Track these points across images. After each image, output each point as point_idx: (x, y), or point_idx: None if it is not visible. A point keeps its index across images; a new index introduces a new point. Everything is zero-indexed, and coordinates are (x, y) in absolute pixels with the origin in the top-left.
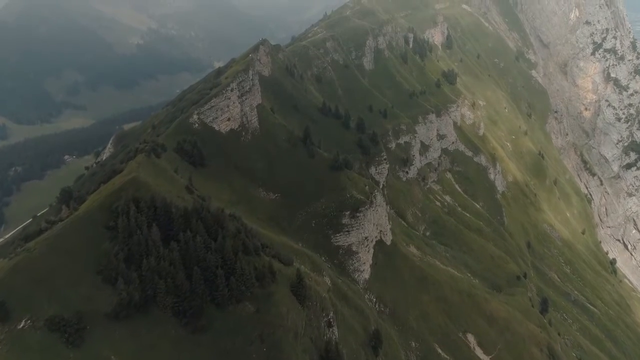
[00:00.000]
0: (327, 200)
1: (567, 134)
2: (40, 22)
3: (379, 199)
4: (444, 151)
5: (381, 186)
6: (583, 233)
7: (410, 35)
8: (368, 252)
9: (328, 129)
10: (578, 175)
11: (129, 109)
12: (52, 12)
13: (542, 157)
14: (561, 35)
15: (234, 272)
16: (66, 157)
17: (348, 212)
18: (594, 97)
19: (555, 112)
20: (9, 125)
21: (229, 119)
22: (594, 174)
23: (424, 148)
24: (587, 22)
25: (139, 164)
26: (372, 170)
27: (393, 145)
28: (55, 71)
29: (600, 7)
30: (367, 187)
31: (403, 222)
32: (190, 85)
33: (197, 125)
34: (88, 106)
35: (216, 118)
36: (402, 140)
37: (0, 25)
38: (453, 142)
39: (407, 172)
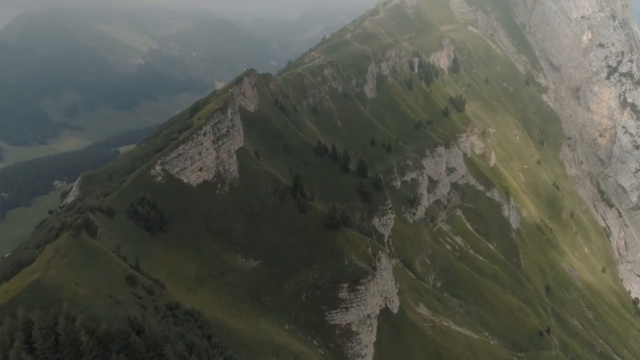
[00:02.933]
0: (320, 267)
1: (581, 162)
2: (41, 43)
3: (384, 261)
4: (454, 186)
5: (386, 239)
6: (603, 271)
7: (416, 60)
8: (371, 331)
9: (323, 173)
10: (594, 206)
11: (128, 130)
12: (53, 33)
13: (557, 188)
14: (573, 58)
15: None
16: (56, 182)
17: (346, 285)
18: (610, 123)
19: (569, 138)
20: (3, 146)
21: (200, 169)
22: (611, 205)
23: (432, 184)
24: (601, 45)
25: (55, 253)
26: (376, 221)
27: (398, 183)
28: (54, 91)
29: (614, 29)
30: (369, 248)
31: (411, 273)
32: (170, 119)
33: (160, 178)
34: (86, 127)
35: (185, 168)
36: (409, 177)
37: (0, 46)
38: (463, 176)
39: (414, 214)
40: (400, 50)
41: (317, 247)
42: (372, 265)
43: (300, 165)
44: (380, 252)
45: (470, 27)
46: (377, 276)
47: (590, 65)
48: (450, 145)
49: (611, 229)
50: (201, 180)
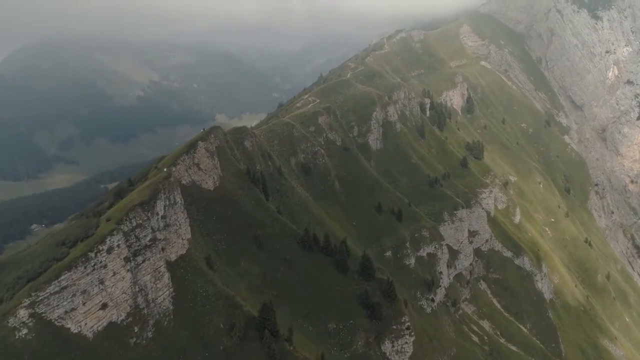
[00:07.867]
0: None
1: (612, 212)
2: (39, 76)
3: None
4: (477, 252)
5: None
6: None
7: (427, 101)
8: None
9: (312, 275)
10: (630, 263)
11: (122, 164)
12: (52, 66)
13: (590, 245)
14: (597, 96)
15: None
16: (33, 226)
17: None
18: None
19: (596, 185)
20: None
21: (103, 307)
22: None
23: (452, 255)
24: (629, 82)
25: None
26: (387, 346)
27: (412, 261)
28: (50, 125)
29: None
30: None
31: None
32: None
33: (25, 331)
34: (81, 161)
35: (73, 309)
36: (425, 251)
37: None
38: (487, 240)
39: (432, 300)
40: (409, 90)
41: None
42: None
43: (278, 267)
44: None
45: (482, 62)
46: None
47: (617, 104)
48: (471, 205)
49: None
50: (104, 326)
